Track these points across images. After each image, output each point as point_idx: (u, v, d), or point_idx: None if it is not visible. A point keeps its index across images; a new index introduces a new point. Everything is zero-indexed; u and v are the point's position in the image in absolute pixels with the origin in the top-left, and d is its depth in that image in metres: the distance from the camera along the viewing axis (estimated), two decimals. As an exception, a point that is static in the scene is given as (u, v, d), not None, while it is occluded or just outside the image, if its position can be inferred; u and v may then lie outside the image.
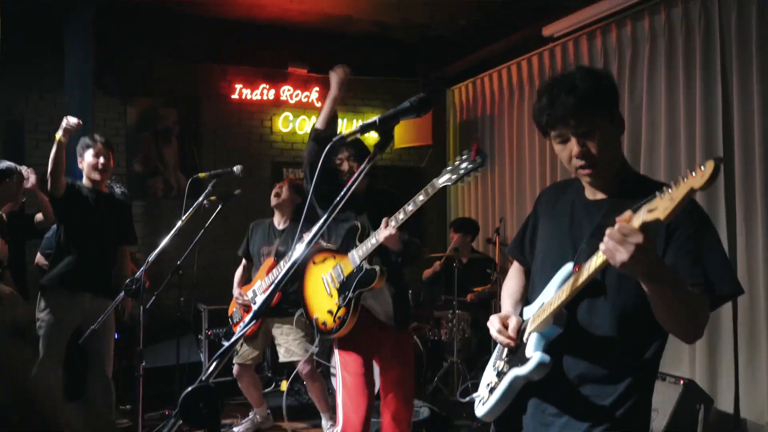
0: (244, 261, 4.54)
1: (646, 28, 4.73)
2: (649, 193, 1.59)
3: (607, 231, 1.37)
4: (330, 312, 3.07)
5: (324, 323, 3.10)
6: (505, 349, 1.82)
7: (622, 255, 1.34)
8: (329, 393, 4.61)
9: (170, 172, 6.40)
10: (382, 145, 1.51)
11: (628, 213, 1.37)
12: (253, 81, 6.66)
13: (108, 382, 4.02)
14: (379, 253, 3.03)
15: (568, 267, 1.67)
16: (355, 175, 1.51)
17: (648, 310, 1.52)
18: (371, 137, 1.52)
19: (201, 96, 6.52)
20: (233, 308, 4.48)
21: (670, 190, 1.27)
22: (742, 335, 4.03)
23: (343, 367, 3.18)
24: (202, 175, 3.60)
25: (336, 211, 1.48)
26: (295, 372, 4.17)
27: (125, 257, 4.22)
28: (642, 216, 1.32)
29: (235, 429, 4.51)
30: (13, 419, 0.68)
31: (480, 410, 1.81)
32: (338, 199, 1.50)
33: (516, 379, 1.68)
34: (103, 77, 5.88)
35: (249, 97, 6.64)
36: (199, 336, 5.49)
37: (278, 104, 6.79)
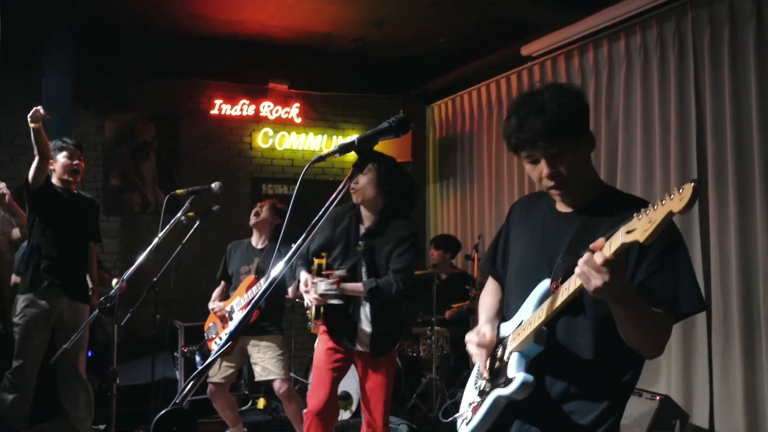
0: (222, 283, 4.49)
1: (622, 48, 4.81)
2: (619, 207, 1.64)
3: (584, 258, 1.40)
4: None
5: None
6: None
7: (596, 281, 1.38)
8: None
9: (148, 187, 6.34)
10: (361, 165, 1.52)
11: (601, 240, 1.40)
12: (233, 97, 6.65)
13: (85, 386, 4.03)
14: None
15: (546, 284, 1.67)
16: (335, 194, 1.50)
17: None
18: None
19: (180, 111, 6.49)
20: (209, 323, 4.43)
21: (647, 211, 1.29)
22: (717, 351, 4.07)
23: (316, 351, 3.41)
24: (179, 191, 3.58)
25: (315, 230, 1.48)
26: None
27: (93, 256, 4.30)
28: (620, 238, 1.34)
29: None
30: None
31: (463, 430, 1.80)
32: (317, 217, 1.49)
33: (499, 399, 1.68)
34: (82, 92, 5.82)
35: (229, 112, 6.62)
36: (175, 353, 5.42)
37: (258, 120, 6.78)
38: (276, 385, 4.21)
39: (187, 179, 6.30)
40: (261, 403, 5.19)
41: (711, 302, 4.11)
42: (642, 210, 1.30)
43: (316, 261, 3.32)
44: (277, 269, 1.48)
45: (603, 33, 4.96)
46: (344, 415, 4.62)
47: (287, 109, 6.85)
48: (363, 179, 3.26)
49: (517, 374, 1.62)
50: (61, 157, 4.06)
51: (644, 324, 1.53)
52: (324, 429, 3.26)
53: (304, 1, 5.34)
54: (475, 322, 4.78)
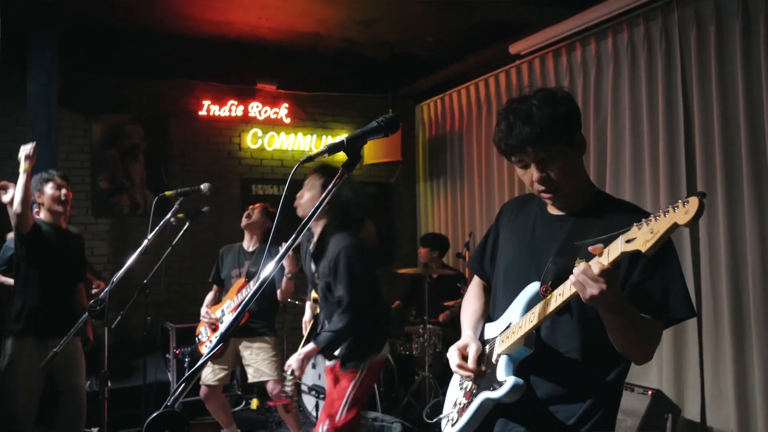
0: (215, 287, 4.48)
1: (610, 46, 4.83)
2: (611, 211, 1.66)
3: (581, 267, 1.41)
4: None
5: None
6: None
7: (592, 290, 1.39)
8: (300, 410, 4.57)
9: (137, 189, 6.31)
10: (350, 165, 1.51)
11: (600, 246, 1.41)
12: (222, 97, 6.62)
13: (80, 410, 3.93)
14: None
15: (535, 286, 1.67)
16: (324, 194, 1.50)
17: None
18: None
19: (169, 112, 6.46)
20: (200, 327, 4.42)
21: (649, 221, 1.29)
22: (707, 346, 4.10)
23: None
24: (168, 193, 3.56)
25: (303, 232, 1.48)
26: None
27: (81, 294, 4.09)
28: (620, 247, 1.34)
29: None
30: None
31: (449, 430, 1.80)
32: (306, 219, 1.50)
33: (487, 401, 1.68)
34: (68, 94, 5.78)
35: (217, 113, 6.59)
36: (167, 355, 5.41)
37: (247, 121, 6.76)
38: (269, 387, 4.21)
39: (176, 181, 6.28)
40: (254, 403, 5.18)
41: (701, 297, 4.14)
42: (643, 219, 1.30)
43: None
44: (267, 271, 1.47)
45: (591, 31, 4.98)
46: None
47: (276, 109, 6.84)
48: (306, 194, 3.18)
49: (507, 378, 1.62)
50: (48, 189, 3.85)
51: (634, 332, 1.55)
52: None
53: (291, 1, 5.33)
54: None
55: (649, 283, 1.57)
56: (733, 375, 3.90)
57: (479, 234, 6.21)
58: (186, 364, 5.08)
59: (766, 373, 3.75)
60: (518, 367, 1.66)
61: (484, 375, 1.73)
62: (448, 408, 1.87)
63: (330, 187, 1.50)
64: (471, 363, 1.74)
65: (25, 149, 3.57)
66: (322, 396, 4.61)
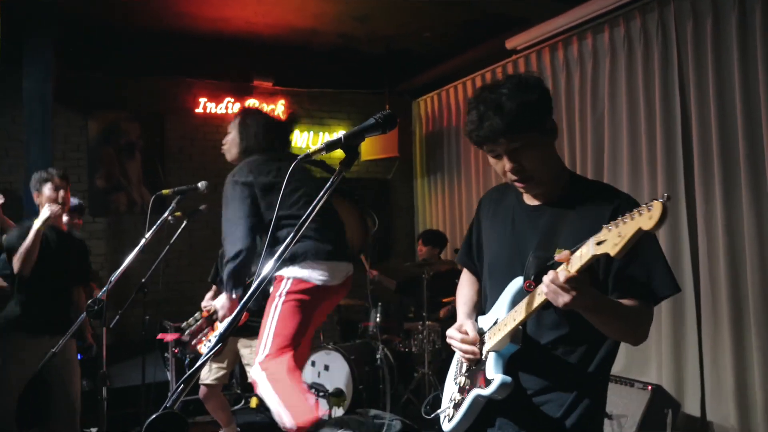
0: (214, 287, 4.46)
1: (606, 40, 4.82)
2: (586, 197, 1.68)
3: (549, 277, 1.43)
4: None
5: None
6: (464, 364, 1.83)
7: (563, 298, 1.42)
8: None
9: (134, 187, 6.29)
10: (348, 162, 1.50)
11: (566, 253, 1.42)
12: (218, 94, 6.60)
13: (74, 412, 3.91)
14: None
15: (518, 282, 1.69)
16: (322, 192, 1.49)
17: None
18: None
19: (165, 110, 6.43)
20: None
21: (618, 224, 1.30)
22: (706, 341, 4.10)
23: None
24: (165, 191, 3.53)
25: (303, 229, 1.47)
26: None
27: (81, 297, 4.06)
28: (591, 250, 1.35)
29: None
30: None
31: (446, 426, 1.81)
32: (304, 218, 1.48)
33: (478, 398, 1.69)
34: (64, 92, 5.75)
35: (214, 110, 6.57)
36: (166, 354, 5.39)
37: (243, 117, 6.73)
38: None
39: (173, 178, 6.26)
40: (254, 402, 5.17)
41: (700, 291, 4.14)
42: (612, 222, 1.32)
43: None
44: (266, 269, 1.46)
45: (587, 25, 4.97)
46: (337, 411, 4.61)
47: (272, 106, 6.82)
48: (228, 138, 3.30)
49: (495, 375, 1.64)
50: (47, 190, 3.81)
51: (620, 323, 1.58)
52: None
53: (287, -3, 5.31)
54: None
55: (631, 268, 1.59)
56: (732, 370, 3.91)
57: (477, 229, 6.21)
58: (186, 363, 5.06)
59: (766, 367, 3.75)
60: (507, 362, 1.68)
61: (476, 370, 1.74)
62: (445, 403, 1.88)
63: (327, 185, 1.49)
64: (471, 334, 1.75)
65: (52, 209, 3.61)
66: (321, 394, 4.61)
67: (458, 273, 5.67)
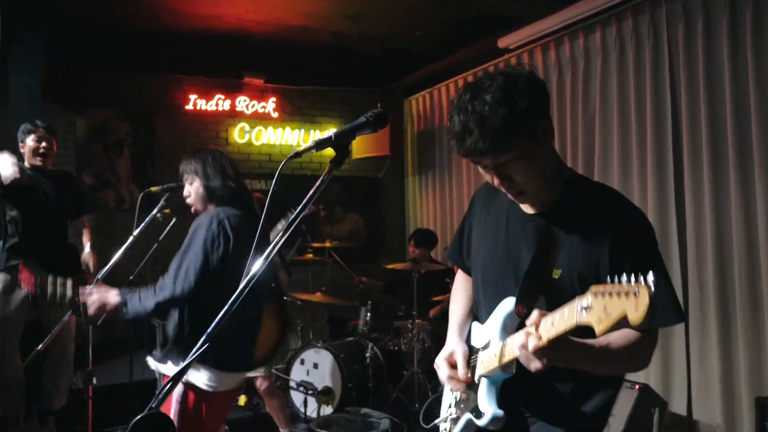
0: None
1: (598, 40, 4.83)
2: (584, 204, 1.56)
3: (520, 341, 1.34)
4: None
5: None
6: None
7: (536, 364, 1.34)
8: (288, 406, 4.54)
9: (122, 184, 6.25)
10: (338, 161, 1.49)
11: (535, 317, 1.34)
12: (208, 92, 6.57)
13: (71, 370, 4.08)
14: None
15: (510, 304, 1.59)
16: (312, 190, 1.48)
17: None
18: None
19: (155, 107, 6.40)
20: None
21: (604, 295, 1.20)
22: (694, 340, 4.12)
23: None
24: (154, 189, 3.51)
25: (293, 227, 1.46)
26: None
27: (85, 229, 4.20)
28: (575, 317, 1.25)
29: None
30: None
31: None
32: (295, 214, 1.47)
33: (470, 423, 1.63)
34: (52, 88, 5.70)
35: (204, 107, 6.54)
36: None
37: (234, 115, 6.71)
38: (257, 383, 4.18)
39: (163, 175, 6.22)
40: (242, 399, 5.15)
41: (688, 291, 4.16)
42: (600, 292, 1.21)
43: None
44: (255, 267, 1.44)
45: (579, 25, 4.97)
46: (326, 410, 4.60)
47: (263, 103, 6.80)
48: (190, 190, 2.87)
49: (487, 408, 1.57)
50: (30, 141, 3.94)
51: (610, 366, 1.50)
52: None
53: (279, -6, 5.28)
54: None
55: None
56: (719, 369, 3.93)
57: (468, 229, 6.20)
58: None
59: (752, 366, 3.78)
60: (500, 389, 1.60)
61: (470, 392, 1.66)
62: (444, 412, 1.82)
63: (318, 183, 1.48)
64: (461, 373, 1.65)
65: (8, 173, 3.61)
66: (310, 392, 4.60)
67: (448, 272, 5.67)
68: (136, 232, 3.19)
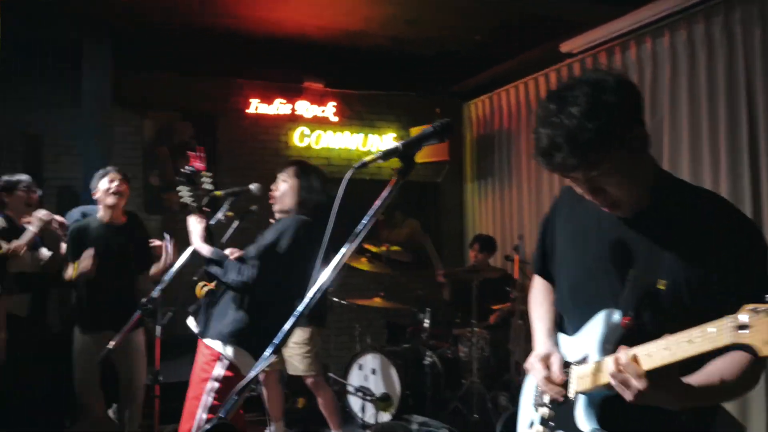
0: None
1: (666, 45, 4.67)
2: (684, 208, 1.44)
3: (611, 365, 1.29)
4: None
5: None
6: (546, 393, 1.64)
7: (627, 396, 1.28)
8: (345, 410, 4.56)
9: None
10: (405, 171, 1.47)
11: (630, 353, 1.27)
12: (269, 96, 6.67)
13: (135, 400, 4.06)
14: None
15: (615, 318, 1.47)
16: (378, 202, 1.46)
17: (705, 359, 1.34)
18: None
19: (217, 111, 6.54)
20: None
21: (757, 312, 1.11)
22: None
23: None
24: (218, 193, 3.57)
25: (359, 240, 1.44)
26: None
27: (145, 283, 4.16)
28: (727, 336, 1.15)
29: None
30: None
31: None
32: (361, 227, 1.44)
33: None
34: (120, 91, 5.89)
35: (265, 111, 6.64)
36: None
37: (294, 119, 6.79)
38: (308, 382, 4.25)
39: (224, 177, 6.34)
40: (301, 402, 5.19)
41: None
42: (764, 310, 1.10)
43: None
44: (324, 276, 1.42)
45: (646, 29, 4.82)
46: (383, 416, 4.60)
47: (323, 107, 6.85)
48: (283, 186, 3.08)
49: (587, 427, 1.46)
50: (103, 183, 3.94)
51: (721, 399, 1.42)
52: None
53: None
54: (516, 325, 4.62)
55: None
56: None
57: (528, 236, 6.07)
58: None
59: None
60: (600, 405, 1.48)
61: (563, 409, 1.56)
62: (522, 429, 1.73)
63: (384, 195, 1.46)
64: (556, 376, 1.55)
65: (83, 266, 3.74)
66: (368, 398, 4.60)
67: (508, 280, 5.57)
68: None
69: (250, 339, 2.77)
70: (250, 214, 3.84)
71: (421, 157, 6.94)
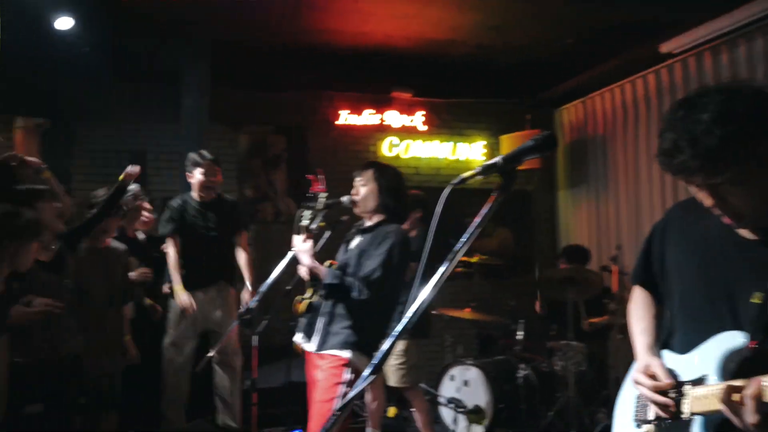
0: None
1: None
2: None
3: (722, 393, 1.24)
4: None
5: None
6: (650, 407, 1.58)
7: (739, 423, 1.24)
8: (436, 422, 4.52)
9: (279, 197, 6.57)
10: (506, 187, 1.42)
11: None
12: (358, 107, 6.75)
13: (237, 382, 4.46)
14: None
15: (738, 340, 1.41)
16: (477, 219, 1.42)
17: None
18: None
19: (308, 123, 6.68)
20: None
21: None
22: None
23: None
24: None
25: (458, 258, 1.40)
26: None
27: (243, 243, 4.63)
28: None
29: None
30: None
31: None
32: (463, 241, 1.41)
33: None
34: (216, 106, 6.12)
35: (354, 122, 6.72)
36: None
37: (383, 129, 6.84)
38: (406, 394, 4.24)
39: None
40: (391, 411, 5.18)
41: None
42: None
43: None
44: (425, 293, 1.39)
45: (755, 25, 4.54)
46: (476, 429, 4.52)
47: (411, 117, 6.87)
48: (363, 190, 3.24)
49: None
50: (198, 174, 4.38)
51: None
52: None
53: (425, 10, 5.31)
54: (615, 339, 4.40)
55: None
56: None
57: (627, 247, 5.81)
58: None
59: None
60: (719, 428, 1.42)
61: (671, 426, 1.51)
62: None
63: (484, 211, 1.42)
64: (663, 380, 1.51)
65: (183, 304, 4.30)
66: (460, 409, 4.54)
67: (606, 292, 5.35)
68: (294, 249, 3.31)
69: (369, 344, 2.94)
70: (340, 224, 3.88)
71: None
